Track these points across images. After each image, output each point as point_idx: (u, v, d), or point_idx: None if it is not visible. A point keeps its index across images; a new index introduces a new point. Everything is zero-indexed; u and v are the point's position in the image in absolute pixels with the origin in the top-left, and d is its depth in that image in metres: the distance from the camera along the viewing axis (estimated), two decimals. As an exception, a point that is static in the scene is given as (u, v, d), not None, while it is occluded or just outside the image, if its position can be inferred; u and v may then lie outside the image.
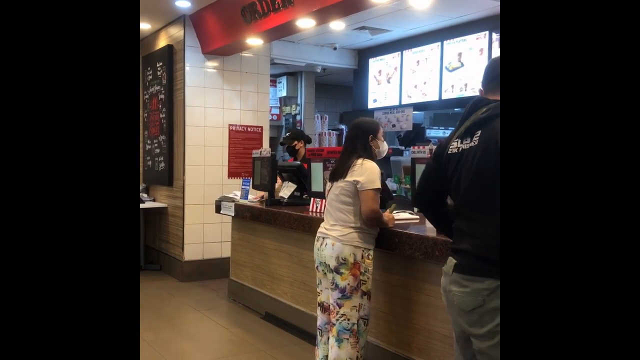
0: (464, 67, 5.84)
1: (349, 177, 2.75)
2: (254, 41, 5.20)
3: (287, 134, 5.28)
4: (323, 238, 2.83)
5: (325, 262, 2.78)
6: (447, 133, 6.50)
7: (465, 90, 5.80)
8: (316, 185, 3.81)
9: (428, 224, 2.93)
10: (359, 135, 2.85)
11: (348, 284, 2.71)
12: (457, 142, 1.89)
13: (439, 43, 6.11)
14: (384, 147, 2.94)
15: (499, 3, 4.92)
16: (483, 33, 5.65)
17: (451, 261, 1.85)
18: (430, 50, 6.23)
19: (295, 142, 5.00)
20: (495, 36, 5.55)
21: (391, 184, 5.69)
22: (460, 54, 5.89)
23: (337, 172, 2.83)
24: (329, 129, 8.25)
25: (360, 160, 2.77)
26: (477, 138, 1.78)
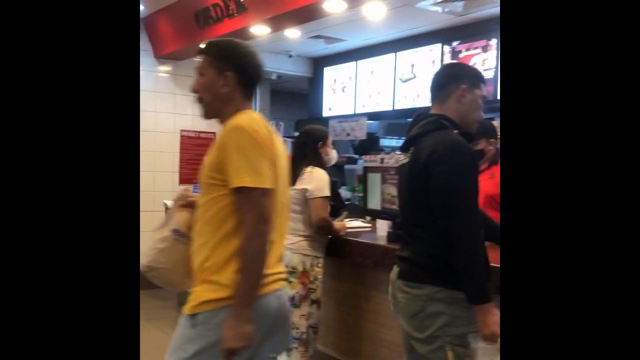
0: (417, 78, 5.94)
1: (298, 185, 2.74)
2: (208, 46, 5.13)
3: None
4: (273, 246, 2.80)
5: (274, 271, 2.76)
6: (401, 142, 6.58)
7: (418, 100, 5.90)
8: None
9: (379, 232, 2.95)
10: (309, 143, 2.85)
11: (297, 293, 2.70)
12: (402, 155, 1.97)
13: (393, 54, 6.20)
14: (333, 154, 2.94)
15: (451, 16, 5.02)
16: (435, 45, 5.77)
17: (395, 269, 1.91)
18: (384, 60, 6.31)
19: None
20: (447, 48, 5.68)
21: (345, 193, 5.72)
22: (413, 65, 6.00)
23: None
24: (284, 137, 8.22)
25: (309, 168, 2.76)
26: (410, 154, 1.85)
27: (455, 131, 1.80)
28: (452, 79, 1.85)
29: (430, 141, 1.76)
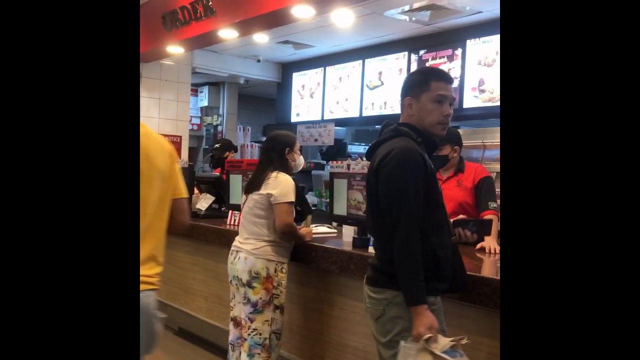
0: (384, 86, 6.01)
1: (263, 190, 2.73)
2: (175, 49, 5.09)
3: (218, 145, 5.17)
4: (237, 252, 2.78)
5: (237, 276, 2.73)
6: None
7: (385, 108, 5.96)
8: (235, 198, 3.75)
9: (345, 238, 2.96)
10: (275, 148, 2.84)
11: (260, 298, 2.68)
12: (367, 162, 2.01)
13: (361, 61, 6.25)
14: (300, 161, 2.94)
15: (418, 25, 5.09)
16: (402, 53, 5.85)
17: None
18: (352, 67, 6.36)
19: (227, 153, 4.93)
20: (414, 57, 5.76)
21: (312, 198, 5.72)
22: (380, 73, 6.06)
23: (252, 185, 2.80)
24: (251, 141, 8.19)
25: (274, 174, 2.75)
26: (369, 164, 1.92)
27: (419, 138, 1.83)
28: (401, 95, 1.93)
29: (384, 148, 1.82)
